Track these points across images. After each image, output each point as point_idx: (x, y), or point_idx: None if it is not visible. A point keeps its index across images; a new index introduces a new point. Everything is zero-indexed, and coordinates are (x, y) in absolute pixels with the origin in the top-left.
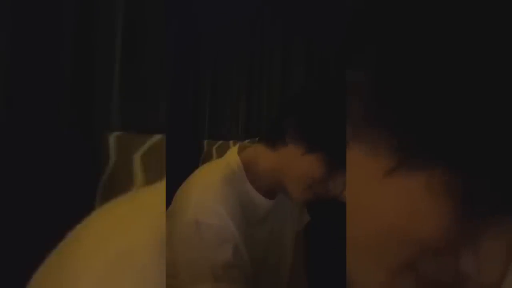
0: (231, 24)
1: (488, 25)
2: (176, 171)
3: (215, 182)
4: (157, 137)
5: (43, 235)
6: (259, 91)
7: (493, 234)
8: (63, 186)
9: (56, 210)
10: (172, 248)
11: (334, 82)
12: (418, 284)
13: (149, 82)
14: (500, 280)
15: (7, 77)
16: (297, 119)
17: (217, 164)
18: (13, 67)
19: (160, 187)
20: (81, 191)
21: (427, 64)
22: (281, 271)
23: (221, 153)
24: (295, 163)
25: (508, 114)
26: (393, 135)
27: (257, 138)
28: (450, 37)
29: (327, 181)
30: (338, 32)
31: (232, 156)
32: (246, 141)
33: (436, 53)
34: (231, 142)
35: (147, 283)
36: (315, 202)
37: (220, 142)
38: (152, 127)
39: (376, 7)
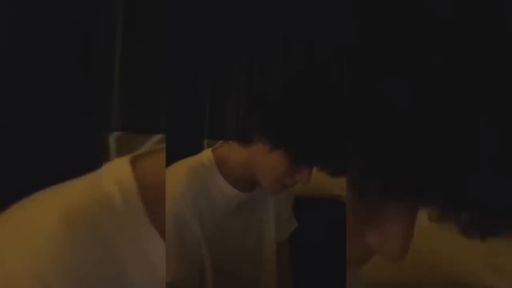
0: (231, 24)
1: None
2: None
3: (181, 174)
4: (157, 137)
5: None
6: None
7: (391, 217)
8: None
9: None
10: None
11: (289, 86)
12: None
13: (149, 82)
14: (400, 252)
15: (7, 76)
16: (261, 119)
17: (189, 159)
18: (13, 67)
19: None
20: None
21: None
22: (263, 266)
23: None
24: (263, 159)
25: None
26: None
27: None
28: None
29: (293, 174)
30: (338, 33)
31: (206, 152)
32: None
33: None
34: (231, 142)
35: None
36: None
37: (220, 142)
38: (152, 127)
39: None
